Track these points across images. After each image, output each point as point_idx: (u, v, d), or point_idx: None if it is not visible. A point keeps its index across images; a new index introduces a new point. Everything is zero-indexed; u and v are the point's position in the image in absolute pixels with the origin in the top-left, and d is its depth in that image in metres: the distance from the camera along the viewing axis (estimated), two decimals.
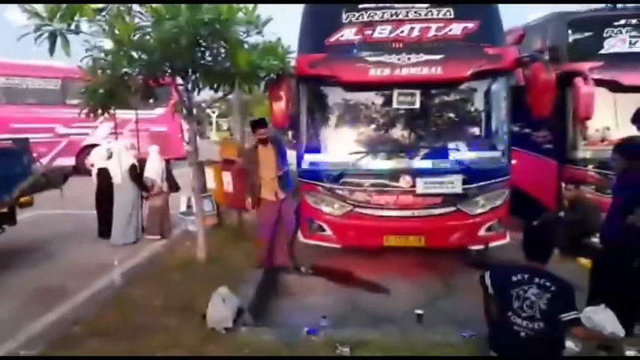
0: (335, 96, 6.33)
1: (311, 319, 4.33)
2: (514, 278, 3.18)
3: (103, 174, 7.71)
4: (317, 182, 6.12)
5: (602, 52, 7.48)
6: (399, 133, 6.32)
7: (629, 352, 3.41)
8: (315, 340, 3.92)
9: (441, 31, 6.01)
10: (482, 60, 5.74)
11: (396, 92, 5.94)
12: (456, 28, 5.99)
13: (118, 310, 4.65)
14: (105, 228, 7.69)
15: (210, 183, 8.19)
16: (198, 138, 7.03)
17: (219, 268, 5.72)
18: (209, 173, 8.19)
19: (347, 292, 5.52)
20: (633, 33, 7.36)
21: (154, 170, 7.65)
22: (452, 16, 6.04)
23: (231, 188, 7.49)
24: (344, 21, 6.17)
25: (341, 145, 6.17)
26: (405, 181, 5.80)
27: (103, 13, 4.78)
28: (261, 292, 5.30)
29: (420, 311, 4.65)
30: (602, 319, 3.59)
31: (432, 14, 6.09)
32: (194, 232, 6.72)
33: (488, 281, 3.34)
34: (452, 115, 6.45)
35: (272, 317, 4.97)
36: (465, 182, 5.75)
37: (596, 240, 6.32)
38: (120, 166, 7.54)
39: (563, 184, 7.01)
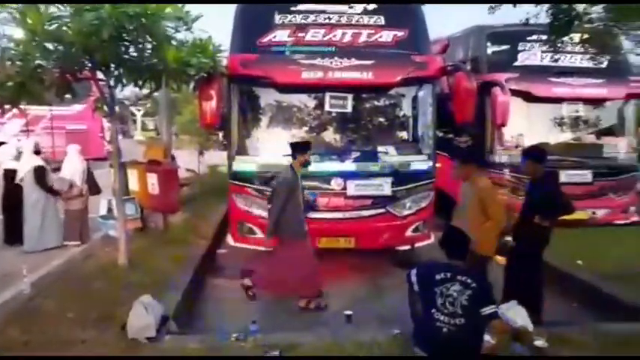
0: (267, 97, 6.27)
1: (240, 324, 4.22)
2: (438, 276, 3.30)
3: (10, 175, 7.05)
4: (249, 185, 6.02)
5: (517, 64, 8.08)
6: (331, 136, 6.39)
7: (538, 342, 3.65)
8: (243, 345, 3.83)
9: (371, 38, 6.18)
10: (411, 67, 5.96)
11: (328, 95, 6.01)
12: (387, 35, 6.19)
13: (26, 323, 4.24)
14: (12, 234, 7.02)
15: (133, 185, 7.76)
16: (121, 137, 6.65)
17: (142, 274, 5.41)
18: (132, 175, 7.76)
19: (277, 296, 5.44)
20: (544, 48, 8.01)
21: (72, 171, 7.10)
22: (382, 24, 6.23)
23: (156, 190, 7.14)
24: (276, 22, 6.14)
25: (273, 147, 6.12)
26: (336, 184, 5.87)
27: None
28: (188, 299, 5.09)
29: (349, 312, 4.70)
30: (514, 314, 3.91)
31: (363, 20, 6.24)
32: (115, 238, 6.32)
33: (414, 279, 3.44)
34: (382, 119, 6.65)
35: (199, 324, 4.79)
36: (393, 185, 5.93)
37: (509, 239, 6.82)
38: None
39: None
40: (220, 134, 8.48)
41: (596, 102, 8.04)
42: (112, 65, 5.18)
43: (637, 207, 8.29)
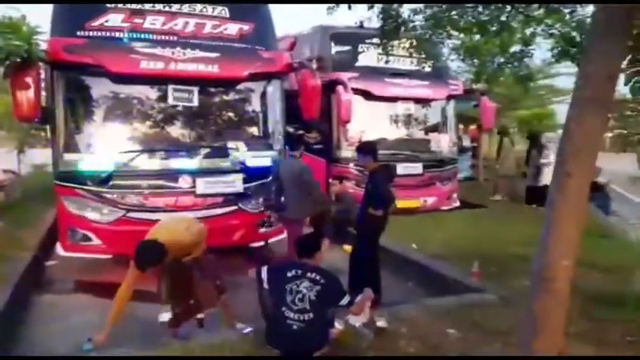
0: (100, 88, 5.63)
1: (74, 342, 3.72)
2: (289, 274, 3.35)
3: None
4: (80, 186, 5.34)
5: (358, 64, 8.66)
6: (177, 131, 6.03)
7: (379, 323, 3.94)
8: None
9: (216, 29, 5.97)
10: (259, 62, 5.93)
11: (171, 88, 5.64)
12: (232, 28, 6.04)
13: None
14: None
15: None
16: None
17: None
18: None
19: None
20: (379, 50, 8.70)
21: None
22: (227, 16, 6.06)
23: None
24: (108, 5, 5.54)
25: (109, 143, 5.54)
26: (184, 182, 5.55)
27: None
28: (6, 321, 4.30)
29: (200, 315, 4.48)
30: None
31: (207, 11, 5.99)
32: None
33: (264, 276, 3.42)
34: (231, 114, 6.50)
35: (23, 346, 4.09)
36: (244, 181, 5.84)
37: (352, 229, 7.30)
38: None
39: (330, 180, 7.83)
40: (46, 129, 7.37)
41: (424, 101, 9.06)
42: None
43: (457, 194, 9.61)
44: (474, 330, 3.86)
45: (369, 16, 4.86)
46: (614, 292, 4.37)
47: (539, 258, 2.71)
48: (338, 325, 3.60)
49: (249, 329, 3.74)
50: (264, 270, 3.47)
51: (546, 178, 9.70)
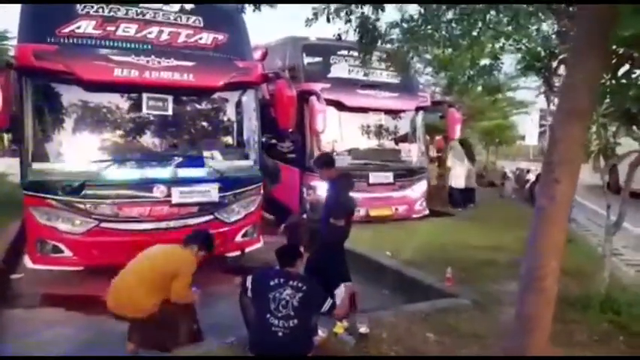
0: (72, 95, 5.51)
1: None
2: (272, 282, 3.39)
3: None
4: (50, 196, 5.17)
5: (330, 75, 8.80)
6: (152, 140, 5.95)
7: (361, 329, 4.00)
8: None
9: (191, 38, 5.95)
10: (234, 72, 5.95)
11: (145, 96, 5.58)
12: (207, 38, 6.04)
13: None
14: None
15: None
16: None
17: None
18: None
19: (90, 319, 4.78)
20: (351, 62, 8.91)
21: None
22: (201, 25, 6.05)
23: None
24: (79, 11, 5.43)
25: (81, 152, 5.42)
26: (159, 191, 5.47)
27: None
28: None
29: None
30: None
31: (181, 20, 5.97)
32: None
33: (249, 285, 3.44)
34: (206, 124, 6.48)
35: None
36: (220, 190, 5.81)
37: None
38: None
39: (305, 189, 7.88)
40: (6, 137, 7.09)
41: (394, 112, 9.29)
42: None
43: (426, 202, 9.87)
44: (451, 334, 3.99)
45: (347, 29, 4.97)
46: (579, 295, 4.61)
47: (529, 260, 2.84)
48: (321, 333, 3.65)
49: (232, 338, 3.73)
50: (249, 279, 3.49)
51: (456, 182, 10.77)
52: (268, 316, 3.29)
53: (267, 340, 3.29)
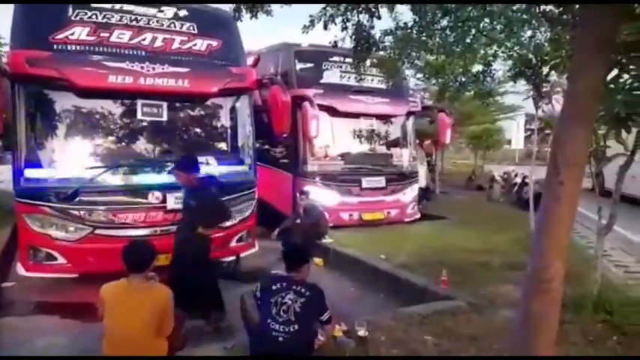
0: (66, 102, 5.48)
1: None
2: (274, 287, 3.40)
3: None
4: (44, 202, 5.13)
5: (322, 81, 8.85)
6: (146, 146, 5.93)
7: (360, 332, 4.02)
8: None
9: (185, 45, 5.96)
10: (228, 78, 5.97)
11: (140, 103, 5.58)
12: (201, 44, 6.05)
13: None
14: None
15: None
16: None
17: None
18: None
19: (84, 326, 4.74)
20: (343, 68, 8.98)
21: None
22: (195, 32, 6.06)
23: None
24: (73, 18, 5.41)
25: (75, 158, 5.38)
26: (154, 197, 5.45)
27: None
28: None
29: None
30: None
31: (174, 26, 5.98)
32: None
33: (258, 294, 3.46)
34: (201, 129, 6.48)
35: None
36: None
37: (326, 241, 7.42)
38: None
39: (298, 194, 7.91)
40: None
41: (386, 117, 9.38)
42: None
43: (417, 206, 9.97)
44: (448, 336, 4.04)
45: (343, 37, 5.03)
46: (572, 296, 4.68)
47: (535, 260, 2.88)
48: (321, 337, 3.67)
49: (232, 343, 3.73)
50: (258, 287, 3.51)
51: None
52: (269, 320, 3.30)
53: (269, 346, 3.30)
